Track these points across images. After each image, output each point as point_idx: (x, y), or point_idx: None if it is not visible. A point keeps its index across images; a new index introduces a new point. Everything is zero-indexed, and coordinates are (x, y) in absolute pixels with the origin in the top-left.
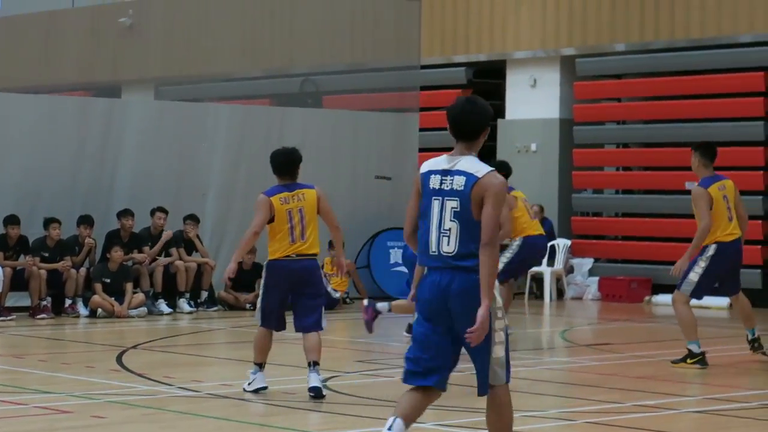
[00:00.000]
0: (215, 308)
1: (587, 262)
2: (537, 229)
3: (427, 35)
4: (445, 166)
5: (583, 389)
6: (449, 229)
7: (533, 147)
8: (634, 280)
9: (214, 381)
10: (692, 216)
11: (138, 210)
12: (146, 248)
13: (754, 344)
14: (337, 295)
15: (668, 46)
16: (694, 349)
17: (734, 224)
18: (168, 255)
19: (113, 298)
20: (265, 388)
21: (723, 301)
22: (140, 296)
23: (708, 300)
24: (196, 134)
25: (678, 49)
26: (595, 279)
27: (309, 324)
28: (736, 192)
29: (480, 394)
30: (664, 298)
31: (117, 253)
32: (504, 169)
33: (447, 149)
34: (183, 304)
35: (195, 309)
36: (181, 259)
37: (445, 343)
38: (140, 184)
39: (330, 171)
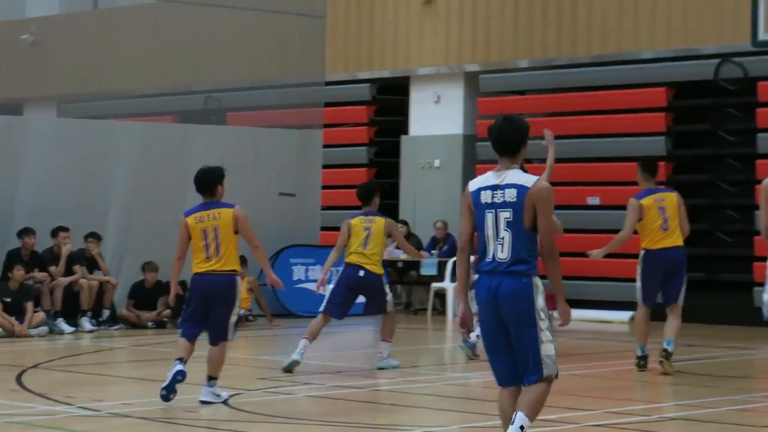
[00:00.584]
0: (117, 327)
1: None
2: None
3: (332, 52)
4: (495, 182)
5: (486, 404)
6: (503, 238)
7: (437, 163)
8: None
9: (115, 400)
10: (594, 231)
11: (40, 228)
12: (52, 268)
13: (664, 354)
14: (240, 312)
15: (571, 62)
16: (638, 352)
17: (668, 234)
18: (71, 273)
19: (13, 318)
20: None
21: (624, 316)
22: (41, 315)
23: (609, 314)
24: (99, 151)
25: (580, 65)
26: None
27: (215, 336)
28: (678, 205)
29: (530, 382)
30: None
31: (18, 272)
32: None
33: (351, 165)
34: (85, 322)
35: (96, 327)
36: (84, 277)
37: (504, 339)
38: (42, 201)
39: (233, 188)
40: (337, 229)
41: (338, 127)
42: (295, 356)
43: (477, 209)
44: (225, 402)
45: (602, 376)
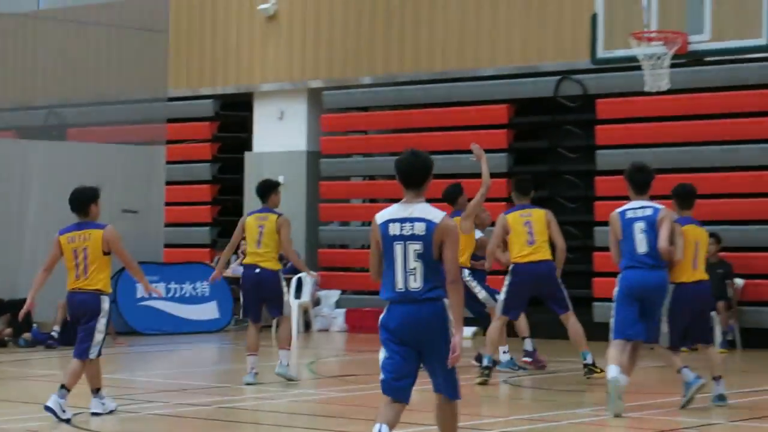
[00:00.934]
0: None
1: (334, 294)
2: None
3: (174, 67)
4: (404, 215)
5: (329, 420)
6: (414, 268)
7: (281, 179)
8: (381, 311)
9: None
10: None
11: None
12: None
13: (588, 368)
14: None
15: (413, 79)
16: (484, 361)
17: (535, 249)
18: None
19: None
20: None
21: (467, 331)
22: None
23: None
24: None
25: (423, 81)
26: (342, 311)
27: (78, 351)
28: (546, 221)
29: (454, 398)
30: None
31: None
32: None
33: (194, 182)
34: None
35: None
36: None
37: (412, 363)
38: None
39: None
40: (182, 245)
41: (181, 144)
42: (247, 378)
43: (385, 240)
44: (112, 411)
45: None
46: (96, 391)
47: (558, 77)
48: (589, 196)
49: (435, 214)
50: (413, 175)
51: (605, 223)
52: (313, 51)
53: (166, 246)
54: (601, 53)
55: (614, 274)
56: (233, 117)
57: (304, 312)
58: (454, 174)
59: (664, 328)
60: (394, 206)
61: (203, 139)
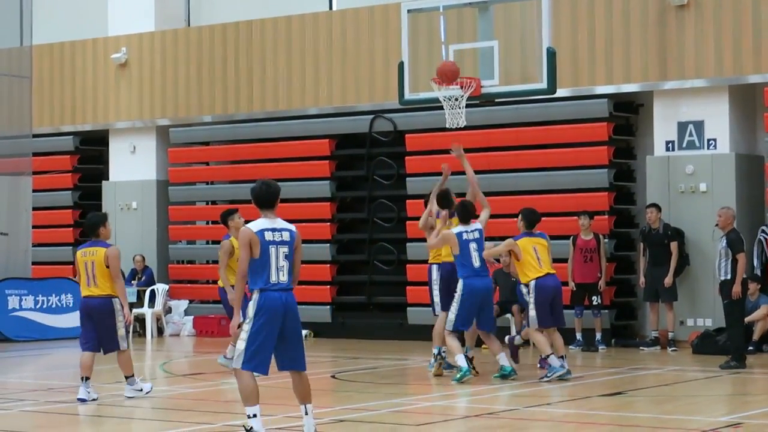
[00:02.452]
0: None
1: (183, 304)
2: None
3: (38, 107)
4: (273, 225)
5: (180, 413)
6: (283, 266)
7: (134, 205)
8: (224, 318)
9: None
10: None
11: None
12: None
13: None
14: None
15: (248, 117)
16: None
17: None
18: None
19: None
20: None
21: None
22: None
23: None
24: None
25: (256, 120)
26: (190, 318)
27: (107, 347)
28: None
29: (303, 369)
30: None
31: None
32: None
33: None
34: None
35: None
36: None
37: (276, 338)
38: None
39: None
40: (48, 263)
41: (45, 174)
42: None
43: (262, 245)
44: (148, 392)
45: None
46: (128, 377)
47: (372, 116)
48: (401, 217)
49: (291, 226)
50: (267, 199)
51: (417, 239)
52: (161, 93)
53: (34, 263)
54: (408, 95)
55: (423, 284)
56: (91, 151)
57: (157, 319)
58: (284, 199)
59: (533, 313)
60: (262, 219)
61: (65, 170)
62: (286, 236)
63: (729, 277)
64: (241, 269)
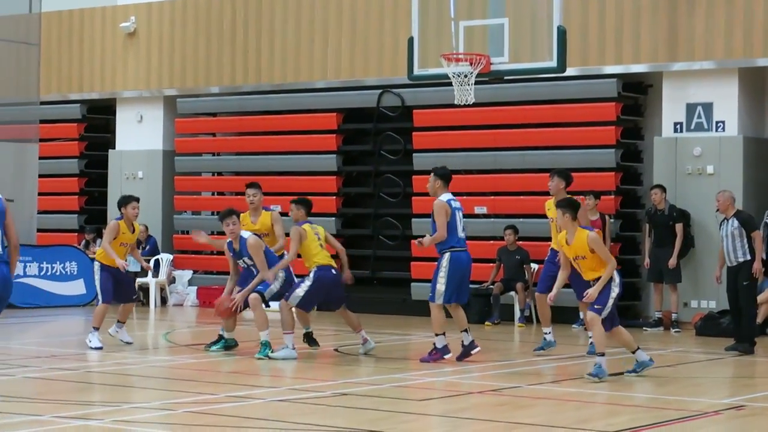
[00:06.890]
0: None
1: (187, 274)
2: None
3: (45, 75)
4: None
5: (183, 383)
6: None
7: (140, 174)
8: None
9: None
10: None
11: None
12: None
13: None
14: None
15: (255, 89)
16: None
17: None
18: None
19: None
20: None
21: None
22: None
23: None
24: None
25: (264, 92)
26: (194, 288)
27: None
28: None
29: None
30: None
31: None
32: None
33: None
34: None
35: None
36: None
37: None
38: None
39: None
40: (53, 230)
41: (52, 142)
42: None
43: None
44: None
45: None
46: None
47: (380, 90)
48: (407, 192)
49: None
50: None
51: (422, 215)
52: (168, 63)
53: (39, 230)
54: (417, 71)
55: (428, 260)
56: (98, 119)
57: (161, 289)
58: (290, 172)
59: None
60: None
61: (72, 138)
62: None
63: (749, 257)
64: None
